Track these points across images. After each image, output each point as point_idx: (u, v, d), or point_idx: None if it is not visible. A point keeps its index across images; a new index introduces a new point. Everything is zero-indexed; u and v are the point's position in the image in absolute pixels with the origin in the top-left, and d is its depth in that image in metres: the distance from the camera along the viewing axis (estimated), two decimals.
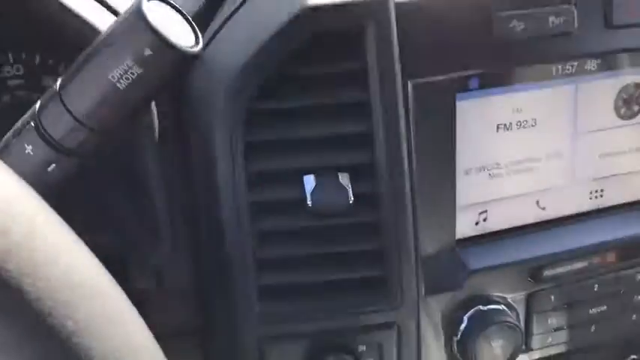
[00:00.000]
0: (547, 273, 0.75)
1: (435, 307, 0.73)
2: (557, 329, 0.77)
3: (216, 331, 0.72)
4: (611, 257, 0.77)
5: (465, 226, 0.75)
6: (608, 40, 0.72)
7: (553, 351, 0.80)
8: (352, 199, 0.66)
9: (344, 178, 0.66)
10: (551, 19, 0.68)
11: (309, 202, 0.65)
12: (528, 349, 0.78)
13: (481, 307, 0.73)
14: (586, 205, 0.79)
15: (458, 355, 0.74)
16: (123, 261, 0.71)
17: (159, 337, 0.78)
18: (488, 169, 0.74)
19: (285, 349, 0.69)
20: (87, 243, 0.40)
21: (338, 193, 0.66)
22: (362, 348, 0.70)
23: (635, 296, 0.79)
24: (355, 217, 0.67)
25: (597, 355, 0.85)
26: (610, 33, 0.71)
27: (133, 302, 0.42)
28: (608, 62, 0.73)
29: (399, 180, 0.67)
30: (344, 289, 0.69)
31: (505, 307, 0.74)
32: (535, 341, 0.77)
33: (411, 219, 0.68)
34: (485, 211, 0.76)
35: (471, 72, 0.69)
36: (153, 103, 0.68)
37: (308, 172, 0.66)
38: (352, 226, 0.68)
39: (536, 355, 0.79)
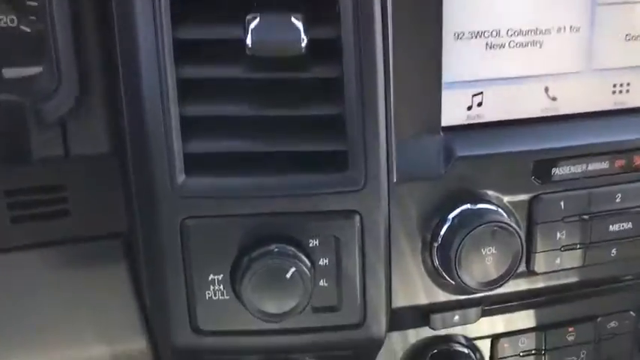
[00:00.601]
0: (557, 172, 0.60)
1: (411, 201, 0.58)
2: (566, 248, 0.62)
3: (134, 213, 0.58)
4: (637, 162, 0.62)
5: (454, 109, 0.60)
6: None
7: (562, 280, 0.64)
8: (305, 41, 0.52)
9: (297, 19, 0.53)
10: None
11: (248, 42, 0.52)
12: (530, 272, 0.62)
13: (470, 205, 0.58)
14: (607, 101, 0.64)
15: (438, 266, 0.59)
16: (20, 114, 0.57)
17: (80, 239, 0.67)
18: (485, 37, 0.60)
19: (212, 235, 0.54)
20: None
21: (287, 32, 0.52)
22: (313, 242, 0.55)
23: None
24: (310, 71, 0.53)
25: (618, 297, 0.69)
26: None
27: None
28: None
29: (368, 25, 0.52)
30: (291, 164, 0.54)
31: (501, 209, 0.59)
32: (538, 262, 0.61)
33: (382, 81, 0.54)
34: (481, 94, 0.61)
35: None
36: None
37: (250, 8, 0.53)
38: (305, 82, 0.54)
39: (540, 283, 0.63)
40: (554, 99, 0.63)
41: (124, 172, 0.59)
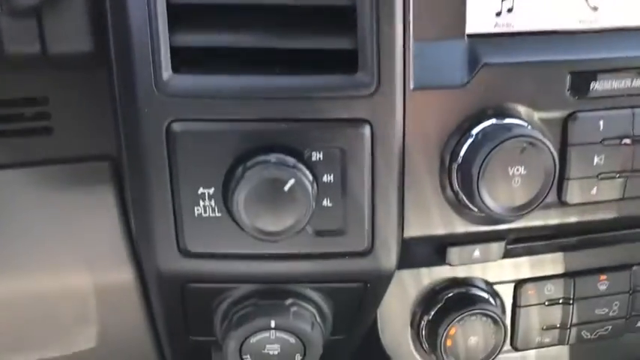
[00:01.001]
0: (597, 86, 0.53)
1: (429, 112, 0.50)
2: (604, 176, 0.54)
3: (117, 113, 0.51)
4: None
5: (481, 14, 0.52)
6: None
7: (597, 214, 0.56)
8: None
9: None
10: None
11: None
12: (561, 203, 0.54)
13: (496, 120, 0.51)
14: None
15: (457, 189, 0.52)
16: None
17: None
18: None
19: (202, 141, 0.48)
20: None
21: None
22: (316, 155, 0.48)
23: None
24: None
25: None
26: None
27: None
28: None
29: None
30: (293, 63, 0.47)
31: (531, 127, 0.52)
32: (572, 191, 0.54)
33: None
34: None
35: None
36: None
37: None
38: None
39: (573, 216, 0.56)
40: (594, 9, 0.55)
41: (110, 82, 0.53)
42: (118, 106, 0.50)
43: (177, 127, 0.48)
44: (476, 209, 0.52)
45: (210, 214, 0.49)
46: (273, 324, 0.52)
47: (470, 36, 0.52)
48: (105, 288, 0.61)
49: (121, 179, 0.60)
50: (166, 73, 0.47)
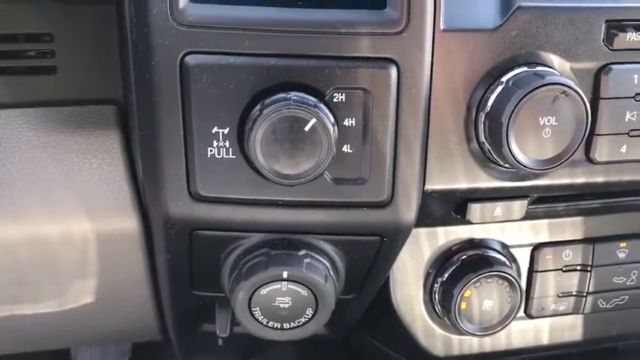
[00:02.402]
0: (633, 37, 0.50)
1: (459, 56, 0.47)
2: (636, 133, 0.51)
3: (126, 50, 0.48)
4: None
5: None
6: None
7: (625, 175, 0.54)
8: None
9: None
10: None
11: None
12: (589, 160, 0.51)
13: (527, 68, 0.49)
14: None
15: (484, 140, 0.49)
16: None
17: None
18: None
19: (218, 76, 0.44)
20: None
21: None
22: (339, 96, 0.45)
23: None
24: None
25: None
26: None
27: None
28: None
29: None
30: None
31: (562, 75, 0.49)
32: (601, 147, 0.51)
33: None
34: None
35: None
36: None
37: None
38: None
39: (600, 176, 0.53)
40: None
41: (121, 13, 0.50)
42: (129, 39, 0.47)
43: (191, 59, 0.45)
44: (502, 162, 0.49)
45: (224, 156, 0.47)
46: (285, 274, 0.50)
47: None
48: (106, 237, 0.58)
49: (127, 125, 0.57)
50: (183, 1, 0.44)
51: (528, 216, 0.58)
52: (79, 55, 0.57)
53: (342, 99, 0.46)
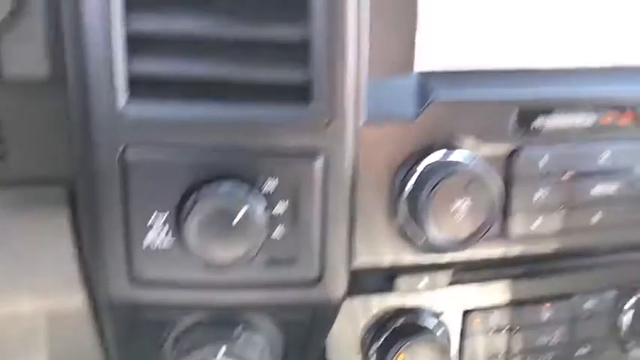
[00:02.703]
0: (539, 123, 0.55)
1: (379, 146, 0.52)
2: (545, 209, 0.56)
3: (73, 137, 0.51)
4: (627, 118, 0.57)
5: (431, 51, 0.55)
6: None
7: (539, 246, 0.58)
8: None
9: None
10: None
11: None
12: (505, 235, 0.56)
13: (443, 154, 0.53)
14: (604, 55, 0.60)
15: (405, 221, 0.54)
16: None
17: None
18: None
19: (155, 168, 0.48)
20: None
21: None
22: (269, 184, 0.49)
23: None
24: None
25: (598, 274, 0.65)
26: None
27: None
28: None
29: None
30: (249, 93, 0.48)
31: (477, 160, 0.53)
32: (515, 223, 0.56)
33: (354, 8, 0.49)
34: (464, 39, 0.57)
35: None
36: None
37: None
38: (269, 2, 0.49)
39: (516, 249, 0.58)
40: (542, 48, 0.57)
41: (67, 106, 0.53)
42: (74, 131, 0.50)
43: (130, 153, 0.48)
44: (422, 241, 0.53)
45: (162, 242, 0.50)
46: (222, 351, 0.53)
47: (420, 72, 0.55)
48: (55, 315, 0.60)
49: (76, 204, 0.60)
50: (122, 99, 0.47)
51: (455, 283, 0.62)
52: (29, 139, 0.59)
53: (272, 187, 0.50)
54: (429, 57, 0.55)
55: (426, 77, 0.54)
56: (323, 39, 0.47)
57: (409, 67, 0.53)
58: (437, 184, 0.50)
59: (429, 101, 0.52)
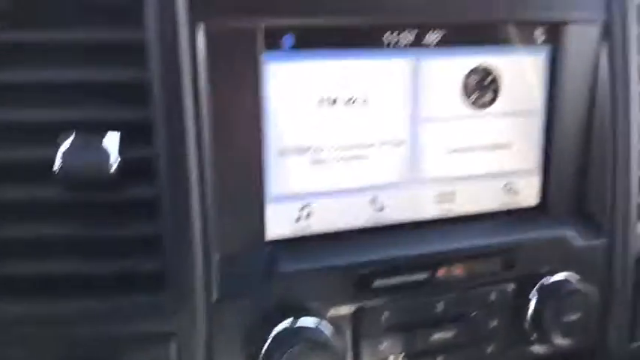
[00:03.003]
0: (378, 284, 0.61)
1: (233, 320, 0.57)
2: (390, 357, 0.63)
3: None
4: (457, 270, 0.64)
5: (281, 221, 0.61)
6: (450, 8, 0.61)
7: None
8: (114, 165, 0.51)
9: (110, 139, 0.52)
10: None
11: (55, 167, 0.50)
12: None
13: (291, 322, 0.58)
14: (433, 210, 0.67)
15: None
16: None
17: None
18: (310, 153, 0.61)
19: None
20: None
21: (95, 157, 0.51)
22: None
23: (489, 321, 0.66)
24: (123, 191, 0.53)
25: None
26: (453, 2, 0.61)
27: None
28: (452, 37, 0.64)
29: (180, 145, 0.53)
30: (100, 284, 0.53)
31: (322, 325, 0.59)
32: None
33: (197, 199, 0.54)
34: (308, 206, 0.62)
35: (281, 22, 0.56)
36: None
37: (64, 128, 0.52)
38: (119, 202, 0.53)
39: None
40: (381, 209, 0.65)
41: None
42: None
43: None
44: None
45: None
46: None
47: (272, 242, 0.60)
48: None
49: None
50: None
51: None
52: None
53: None
54: (277, 226, 0.61)
55: (276, 248, 0.60)
56: (172, 235, 0.53)
57: (259, 239, 0.59)
58: (284, 354, 0.55)
59: (276, 273, 0.58)
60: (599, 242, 0.69)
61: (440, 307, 0.63)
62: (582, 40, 0.66)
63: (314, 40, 0.58)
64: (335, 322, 0.59)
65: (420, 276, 0.62)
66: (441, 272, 0.63)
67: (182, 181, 0.53)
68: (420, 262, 0.62)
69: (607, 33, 0.66)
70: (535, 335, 0.67)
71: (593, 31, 0.67)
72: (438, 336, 0.63)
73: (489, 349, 0.66)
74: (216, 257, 0.56)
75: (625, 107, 0.68)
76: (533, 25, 0.65)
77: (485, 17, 0.62)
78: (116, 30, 0.52)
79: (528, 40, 0.65)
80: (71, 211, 0.52)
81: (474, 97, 0.65)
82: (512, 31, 0.65)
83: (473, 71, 0.64)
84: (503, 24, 0.64)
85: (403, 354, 0.62)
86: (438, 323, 0.63)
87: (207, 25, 0.53)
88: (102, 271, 0.53)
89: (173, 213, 0.53)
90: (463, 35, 0.63)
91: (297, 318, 0.58)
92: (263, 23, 0.55)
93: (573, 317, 0.66)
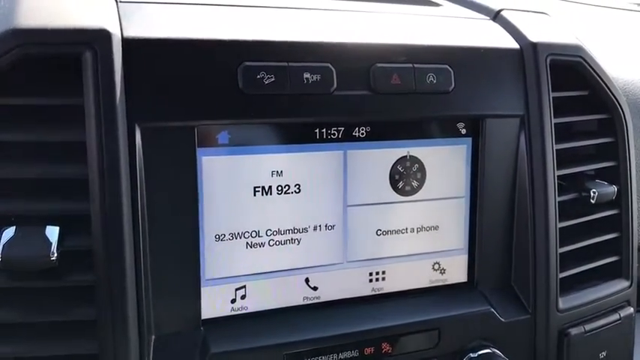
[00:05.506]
0: None
1: None
2: None
3: None
4: (385, 348, 0.68)
5: (218, 303, 0.65)
6: (375, 107, 0.67)
7: None
8: (55, 255, 0.55)
9: (51, 231, 0.56)
10: (307, 75, 0.64)
11: None
12: None
13: None
14: (365, 289, 0.71)
15: None
16: None
17: None
18: (245, 238, 0.66)
19: None
20: None
21: (37, 248, 0.55)
22: None
23: None
24: (63, 279, 0.57)
25: None
26: (376, 99, 0.67)
27: None
28: (378, 130, 0.69)
29: (117, 236, 0.57)
30: None
31: None
32: None
33: (133, 285, 0.58)
34: (244, 288, 0.66)
35: (216, 123, 0.62)
36: None
37: (8, 222, 0.56)
38: (59, 289, 0.57)
39: None
40: (314, 288, 0.69)
41: None
42: None
43: None
44: None
45: None
46: None
47: (208, 321, 0.64)
48: None
49: None
50: None
51: None
52: None
53: None
54: (213, 307, 0.65)
55: (211, 328, 0.63)
56: (107, 321, 0.56)
57: (195, 321, 0.63)
58: None
59: (209, 354, 0.61)
60: (523, 317, 0.74)
61: None
62: (502, 131, 0.73)
63: (248, 137, 0.64)
64: None
65: (349, 354, 0.66)
66: (368, 351, 0.67)
67: (117, 267, 0.57)
68: (349, 341, 0.66)
69: (525, 125, 0.73)
70: None
71: (513, 123, 0.73)
72: None
73: None
74: (151, 339, 0.60)
75: (544, 190, 0.73)
76: (455, 120, 0.71)
77: (409, 115, 0.68)
78: (58, 131, 0.57)
79: (451, 133, 0.71)
80: (11, 298, 0.56)
81: (400, 184, 0.70)
82: (435, 125, 0.71)
83: (399, 161, 0.70)
84: (427, 120, 0.70)
85: None
86: None
87: (144, 126, 0.58)
88: (40, 354, 0.56)
89: (108, 298, 0.56)
90: (389, 129, 0.69)
91: None
92: (197, 125, 0.60)
93: None
